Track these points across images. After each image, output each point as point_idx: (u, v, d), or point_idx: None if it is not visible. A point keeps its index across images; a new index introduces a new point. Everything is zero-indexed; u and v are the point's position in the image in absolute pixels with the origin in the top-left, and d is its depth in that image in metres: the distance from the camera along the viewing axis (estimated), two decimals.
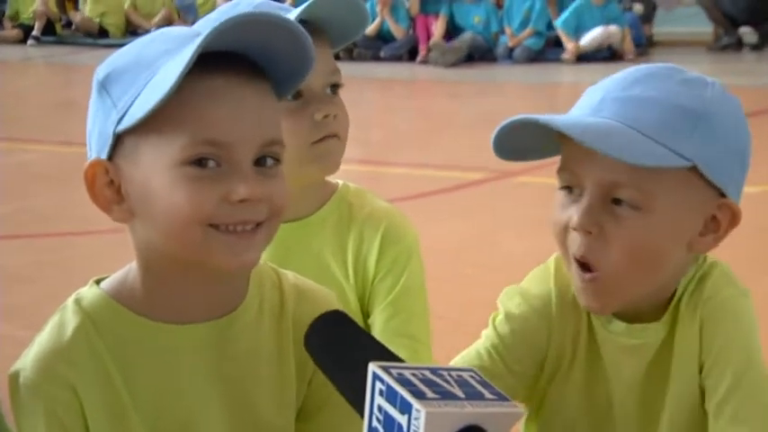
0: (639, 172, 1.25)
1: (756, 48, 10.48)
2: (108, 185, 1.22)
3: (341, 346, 1.13)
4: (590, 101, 1.32)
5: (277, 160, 1.22)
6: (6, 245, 4.66)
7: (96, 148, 1.23)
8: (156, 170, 1.18)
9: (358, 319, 1.72)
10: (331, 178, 1.81)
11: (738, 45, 10.56)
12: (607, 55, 10.09)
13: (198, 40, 1.13)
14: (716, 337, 1.31)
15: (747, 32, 10.63)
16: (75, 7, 13.58)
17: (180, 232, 1.19)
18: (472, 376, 1.04)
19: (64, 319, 1.25)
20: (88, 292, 1.28)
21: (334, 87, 1.73)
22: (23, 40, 13.20)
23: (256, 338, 1.29)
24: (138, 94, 1.18)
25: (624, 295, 1.33)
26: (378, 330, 1.71)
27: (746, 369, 1.30)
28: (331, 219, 1.77)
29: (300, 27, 1.19)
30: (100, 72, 1.23)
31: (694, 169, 1.28)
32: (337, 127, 1.72)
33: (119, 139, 1.20)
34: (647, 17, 11.13)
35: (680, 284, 1.36)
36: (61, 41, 13.12)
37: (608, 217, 1.28)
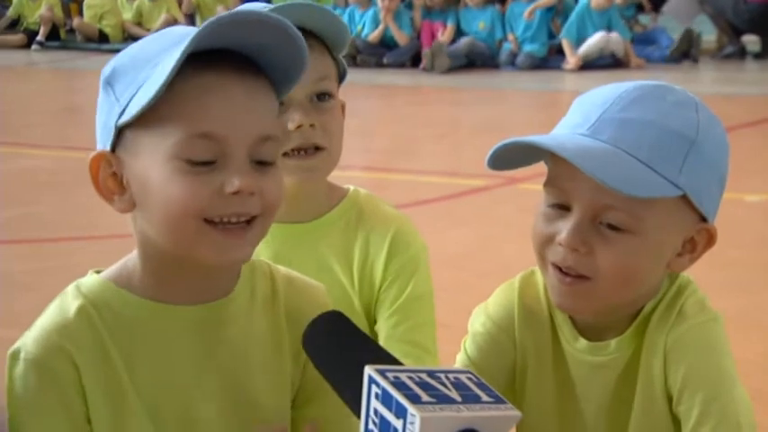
0: (632, 198, 1.28)
1: (759, 56, 10.48)
2: (111, 176, 1.26)
3: (339, 347, 1.14)
4: (585, 118, 1.34)
5: (271, 161, 1.25)
6: (10, 250, 4.67)
7: (101, 140, 1.28)
8: (153, 163, 1.22)
9: (363, 324, 1.71)
10: (340, 183, 1.81)
11: (742, 54, 10.56)
12: (610, 62, 10.09)
13: (188, 39, 1.17)
14: (680, 365, 1.33)
15: (751, 41, 10.63)
16: (80, 12, 13.60)
17: (174, 225, 1.23)
18: (469, 378, 1.05)
19: (64, 302, 1.29)
20: (87, 279, 1.32)
21: (323, 96, 1.70)
22: (27, 45, 13.21)
23: (248, 324, 1.32)
24: (138, 90, 1.22)
25: (600, 303, 1.35)
26: (383, 337, 1.71)
27: (715, 396, 1.30)
28: (339, 223, 1.76)
29: (293, 27, 1.22)
30: (106, 69, 1.28)
31: (684, 197, 1.32)
32: (317, 137, 1.69)
33: (121, 132, 1.25)
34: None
35: (649, 301, 1.38)
36: (65, 46, 13.13)
37: (597, 237, 1.31)
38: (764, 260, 4.23)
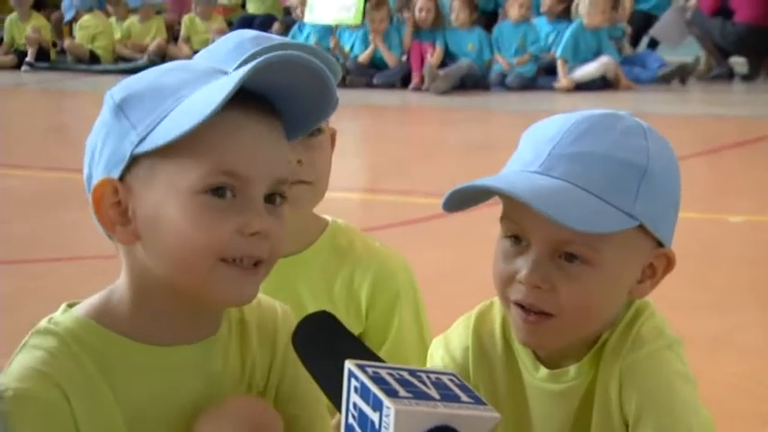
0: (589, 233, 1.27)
1: (747, 78, 10.53)
2: (114, 206, 1.22)
3: (327, 346, 1.16)
4: (536, 155, 1.33)
5: (284, 198, 1.25)
6: None
7: (105, 167, 1.23)
8: (170, 195, 1.20)
9: None
10: (326, 203, 1.79)
11: (729, 75, 10.61)
12: (600, 84, 10.11)
13: (238, 75, 1.15)
14: (633, 393, 1.32)
15: (738, 63, 10.68)
16: (71, 33, 13.59)
17: (187, 260, 1.21)
18: (451, 380, 1.06)
19: (41, 339, 1.24)
20: (62, 316, 1.27)
21: (313, 131, 1.68)
22: (18, 66, 13.21)
23: (232, 356, 1.31)
24: (162, 119, 1.19)
25: (564, 338, 1.35)
26: None
27: (671, 424, 1.30)
28: (318, 259, 1.75)
29: (328, 73, 1.21)
30: (116, 95, 1.25)
31: (640, 226, 1.32)
32: (304, 174, 1.68)
33: (134, 161, 1.21)
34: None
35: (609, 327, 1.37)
36: (55, 67, 13.12)
37: (558, 273, 1.31)
38: (747, 281, 4.23)
